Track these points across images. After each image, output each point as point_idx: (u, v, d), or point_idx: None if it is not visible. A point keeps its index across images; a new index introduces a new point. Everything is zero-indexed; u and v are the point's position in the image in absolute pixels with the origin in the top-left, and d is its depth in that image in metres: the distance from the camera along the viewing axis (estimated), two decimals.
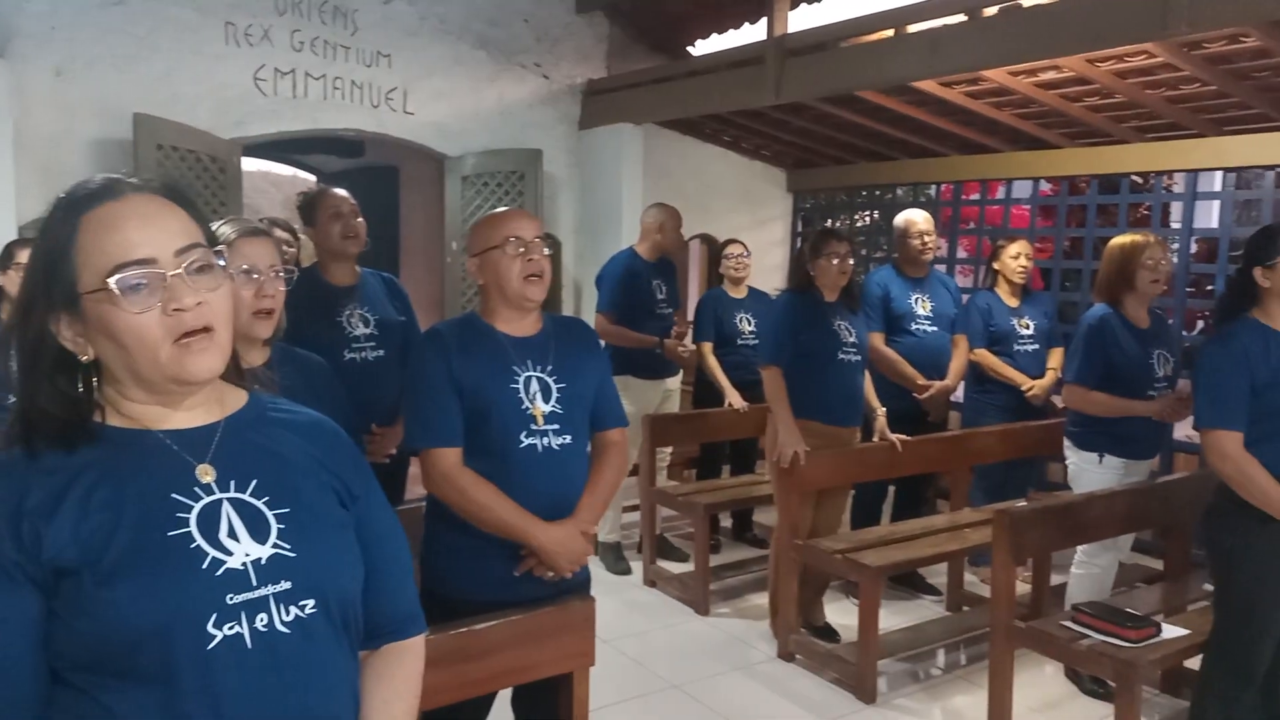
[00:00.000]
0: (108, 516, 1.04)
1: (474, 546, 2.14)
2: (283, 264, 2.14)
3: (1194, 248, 5.40)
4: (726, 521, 5.42)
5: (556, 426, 2.17)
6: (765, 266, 6.58)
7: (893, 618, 4.09)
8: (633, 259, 4.84)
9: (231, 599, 1.06)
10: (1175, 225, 5.63)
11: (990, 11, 4.14)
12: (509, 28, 6.21)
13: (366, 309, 3.17)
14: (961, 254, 6.45)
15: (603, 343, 4.72)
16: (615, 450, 2.34)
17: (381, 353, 3.14)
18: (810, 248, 3.86)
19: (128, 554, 1.03)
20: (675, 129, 6.73)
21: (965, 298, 4.89)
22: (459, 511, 2.13)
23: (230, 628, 1.05)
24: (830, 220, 7.42)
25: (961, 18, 4.25)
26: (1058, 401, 4.58)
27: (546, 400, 2.17)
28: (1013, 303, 4.60)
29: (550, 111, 6.44)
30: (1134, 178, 5.54)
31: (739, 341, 4.97)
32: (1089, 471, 3.64)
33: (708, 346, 4.94)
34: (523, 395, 2.15)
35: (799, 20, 5.40)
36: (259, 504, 1.13)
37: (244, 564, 1.08)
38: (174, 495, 1.09)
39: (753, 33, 6.18)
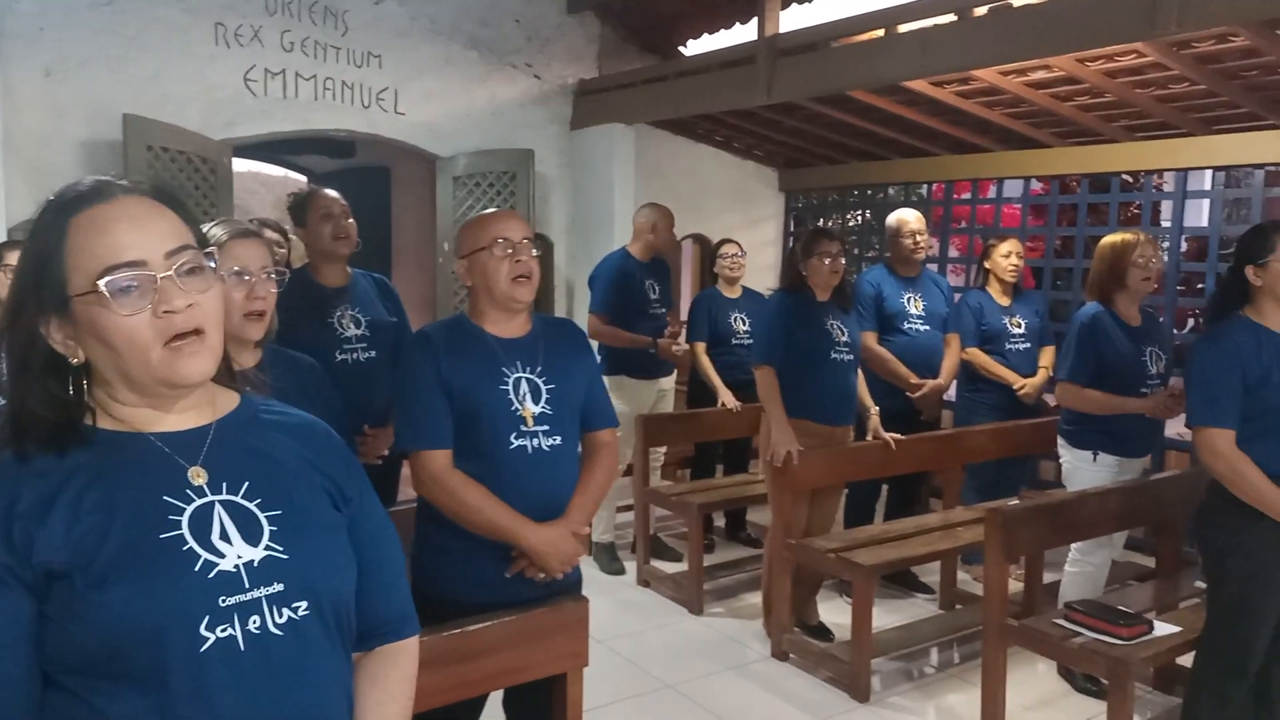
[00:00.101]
0: (99, 519, 1.04)
1: (465, 548, 2.14)
2: (274, 265, 2.13)
3: (1184, 246, 5.43)
4: (720, 521, 5.42)
5: (546, 427, 2.17)
6: (758, 266, 6.59)
7: (886, 616, 4.09)
8: (625, 259, 4.84)
9: (224, 601, 1.06)
10: (1165, 224, 5.65)
11: (980, 11, 4.14)
12: (500, 28, 6.21)
13: (358, 310, 3.16)
14: (953, 253, 6.47)
15: (596, 343, 4.76)
16: (606, 451, 2.34)
17: (373, 354, 3.14)
18: (802, 247, 3.87)
19: (120, 556, 1.03)
20: (667, 129, 6.74)
21: (957, 297, 4.90)
22: (449, 513, 2.13)
23: (223, 630, 1.05)
24: (822, 220, 7.43)
25: (952, 17, 4.26)
26: (1049, 400, 4.59)
27: (536, 401, 2.16)
28: (1004, 301, 4.61)
29: (542, 112, 6.44)
30: (1124, 177, 5.56)
31: (733, 341, 4.97)
32: (1083, 469, 3.65)
33: (701, 346, 4.94)
34: (512, 396, 2.15)
35: (790, 20, 5.40)
36: (251, 506, 1.13)
37: (236, 566, 1.08)
38: (166, 498, 1.09)
39: (744, 33, 6.19)
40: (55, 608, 1.02)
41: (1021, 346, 4.57)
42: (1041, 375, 4.58)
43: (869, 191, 7.07)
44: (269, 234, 3.64)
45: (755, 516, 5.33)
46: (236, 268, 2.02)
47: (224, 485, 1.13)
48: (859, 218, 7.67)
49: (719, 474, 5.25)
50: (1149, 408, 3.49)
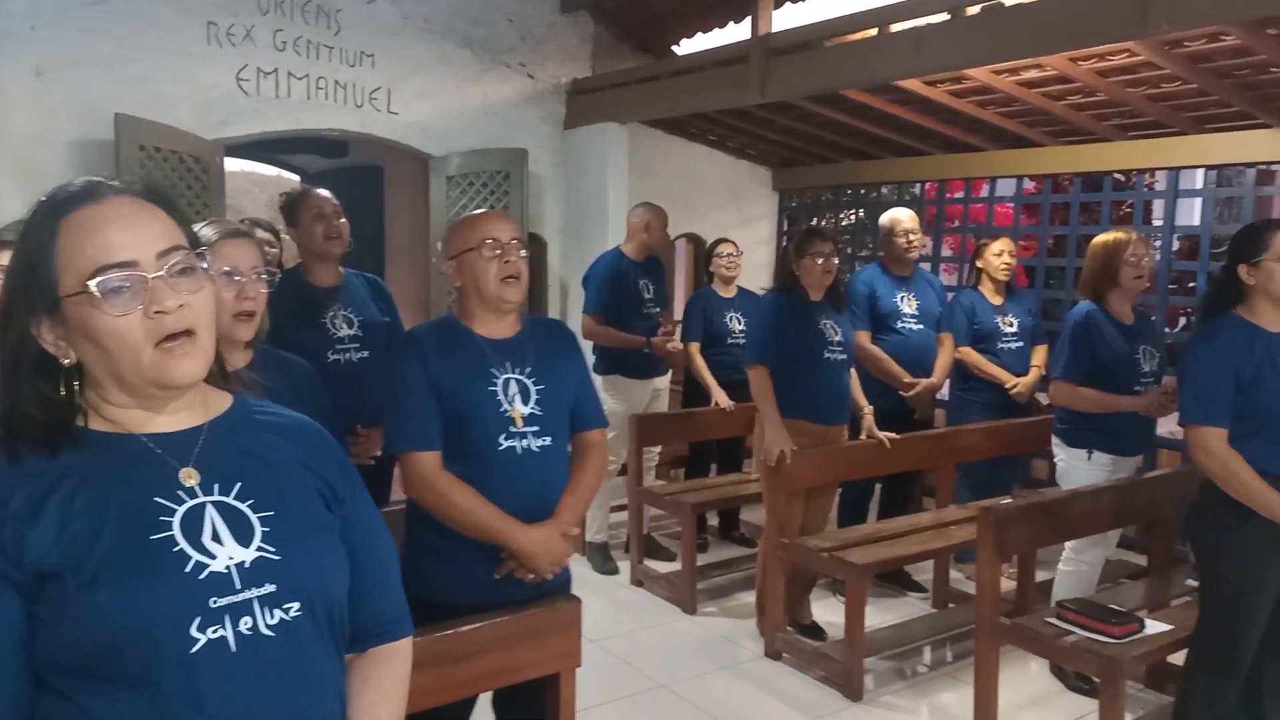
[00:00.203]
0: (90, 520, 1.04)
1: (454, 549, 2.14)
2: (264, 265, 2.13)
3: (1176, 245, 5.44)
4: (713, 520, 5.42)
5: (536, 428, 2.16)
6: (751, 265, 6.57)
7: (879, 615, 4.10)
8: (619, 259, 4.83)
9: (215, 602, 1.06)
10: (1157, 222, 5.67)
11: (973, 10, 4.15)
12: (493, 27, 6.19)
13: (350, 310, 3.16)
14: (946, 252, 6.47)
15: (590, 343, 4.76)
16: (595, 451, 2.34)
17: (366, 354, 3.13)
18: (795, 247, 3.87)
19: (110, 557, 1.03)
20: (661, 128, 6.73)
21: (950, 296, 4.91)
22: (438, 515, 2.12)
23: (214, 631, 1.05)
24: (816, 219, 7.43)
25: (944, 17, 4.26)
26: (1042, 399, 4.60)
27: (525, 402, 2.16)
28: (997, 300, 4.62)
29: (535, 111, 6.43)
30: (1116, 175, 5.57)
31: (729, 340, 4.96)
32: (1078, 468, 3.66)
33: (695, 346, 4.94)
34: (501, 397, 2.14)
35: (783, 19, 5.40)
36: (243, 507, 1.13)
37: (227, 567, 1.08)
38: (157, 499, 1.09)
39: (737, 32, 6.18)
40: (46, 609, 1.02)
41: (1014, 345, 4.58)
42: (1034, 374, 4.59)
43: (862, 191, 7.07)
44: (260, 234, 3.63)
45: (749, 516, 5.34)
46: (226, 268, 2.01)
47: (216, 486, 1.13)
48: (852, 217, 7.67)
49: (713, 473, 5.25)
50: (1143, 405, 3.50)
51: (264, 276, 2.10)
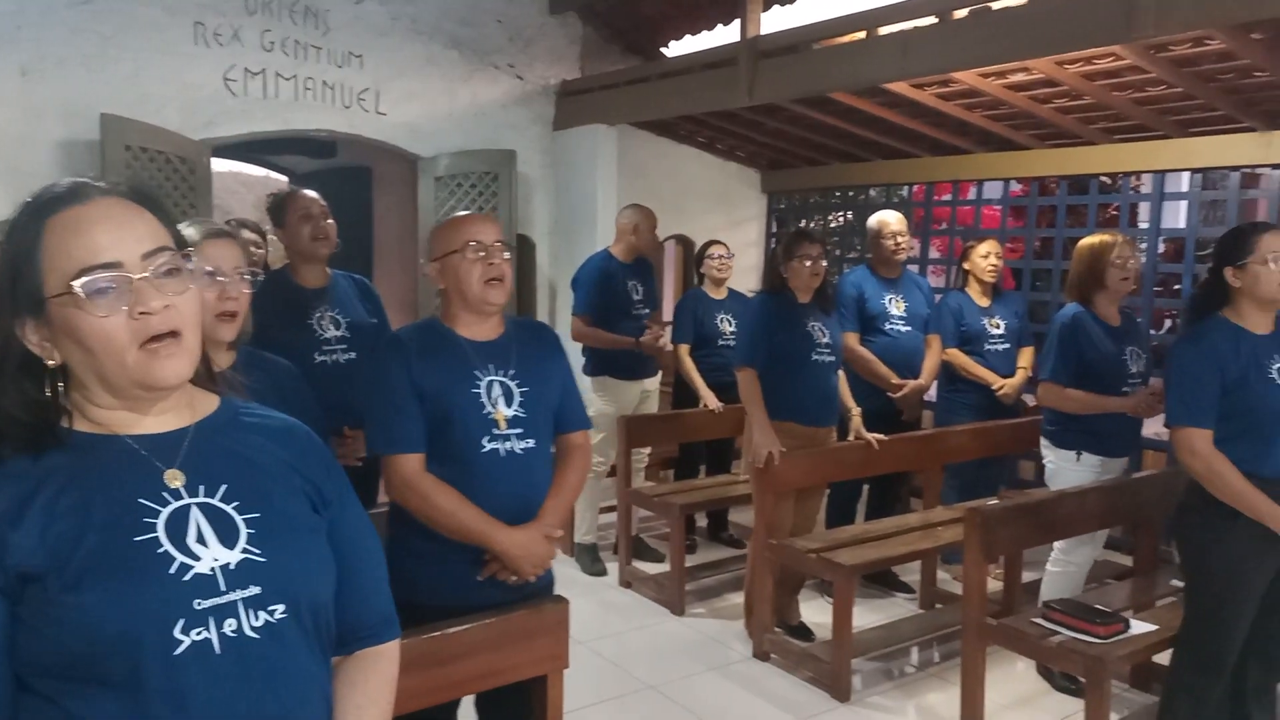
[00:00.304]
0: (74, 522, 1.04)
1: (437, 551, 2.13)
2: (249, 266, 2.12)
3: (1161, 248, 5.47)
4: (702, 522, 5.43)
5: (519, 430, 2.16)
6: (740, 267, 6.58)
7: (867, 616, 4.11)
8: (608, 260, 4.83)
9: (199, 604, 1.05)
10: (1143, 225, 5.70)
11: (961, 14, 4.17)
12: (481, 28, 6.19)
13: (337, 311, 3.15)
14: (934, 254, 6.50)
15: (580, 344, 4.75)
16: (579, 453, 2.34)
17: (353, 355, 3.12)
18: (783, 250, 3.88)
19: (94, 559, 1.02)
20: (650, 130, 6.74)
21: (938, 298, 4.93)
22: (421, 518, 2.12)
23: (198, 633, 1.04)
24: (804, 221, 7.45)
25: (932, 20, 4.28)
26: (1029, 400, 4.62)
27: (509, 404, 2.16)
28: (984, 302, 4.64)
29: (524, 112, 6.43)
30: (1102, 178, 5.60)
31: (720, 342, 4.96)
32: (1066, 469, 3.67)
33: (685, 348, 4.94)
34: (484, 400, 2.14)
35: (772, 22, 5.41)
36: (228, 509, 1.12)
37: (212, 569, 1.07)
38: (141, 500, 1.08)
39: (726, 34, 6.19)
40: (29, 610, 1.01)
41: (1000, 347, 4.60)
42: (1020, 376, 4.61)
43: (850, 193, 7.09)
44: (246, 234, 3.62)
45: (737, 517, 5.34)
46: (209, 268, 2.00)
47: (201, 488, 1.12)
48: (840, 219, 7.70)
49: (702, 474, 5.25)
50: (1130, 406, 3.52)
51: (247, 277, 2.09)
